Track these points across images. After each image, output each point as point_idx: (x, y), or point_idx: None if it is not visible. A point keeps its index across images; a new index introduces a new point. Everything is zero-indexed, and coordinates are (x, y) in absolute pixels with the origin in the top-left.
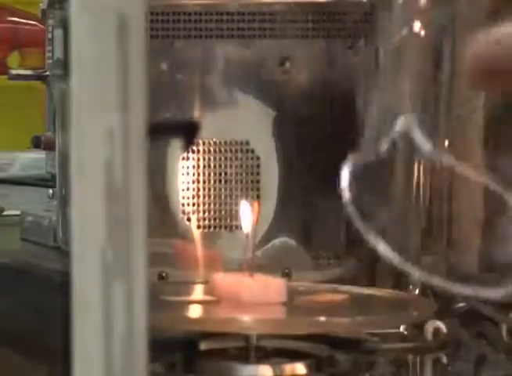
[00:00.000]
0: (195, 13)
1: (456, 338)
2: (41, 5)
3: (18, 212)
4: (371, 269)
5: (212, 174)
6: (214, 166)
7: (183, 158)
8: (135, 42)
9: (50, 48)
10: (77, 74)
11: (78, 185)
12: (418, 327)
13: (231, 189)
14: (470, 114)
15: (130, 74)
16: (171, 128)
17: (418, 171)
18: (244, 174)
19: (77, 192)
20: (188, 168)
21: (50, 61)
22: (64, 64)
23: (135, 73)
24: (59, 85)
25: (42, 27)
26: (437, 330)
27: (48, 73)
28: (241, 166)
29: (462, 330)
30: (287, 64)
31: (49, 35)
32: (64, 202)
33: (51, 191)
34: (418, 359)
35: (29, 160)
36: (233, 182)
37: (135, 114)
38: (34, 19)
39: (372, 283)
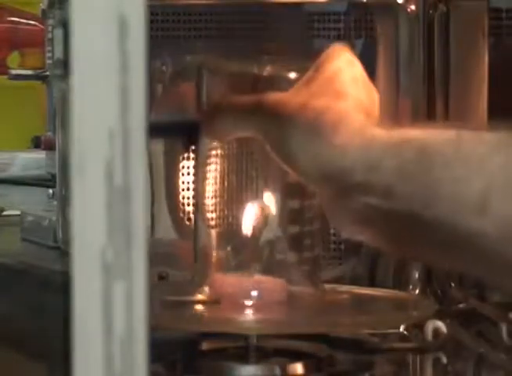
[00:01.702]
0: (195, 13)
1: (456, 338)
2: (41, 5)
3: (18, 212)
4: (371, 269)
5: (212, 173)
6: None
7: (183, 158)
8: (135, 42)
9: (50, 48)
10: (77, 74)
11: (78, 185)
12: (418, 327)
13: (233, 190)
14: None
15: (130, 74)
16: (172, 128)
17: None
18: (244, 174)
19: (77, 192)
20: (188, 168)
21: (50, 61)
22: (64, 64)
23: (135, 73)
24: (59, 85)
25: (42, 27)
26: (437, 330)
27: (48, 73)
28: (242, 167)
29: (462, 330)
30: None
31: (49, 35)
32: (64, 202)
33: (51, 191)
34: (418, 359)
35: (29, 160)
36: (235, 183)
37: (135, 114)
38: (34, 19)
39: (372, 283)
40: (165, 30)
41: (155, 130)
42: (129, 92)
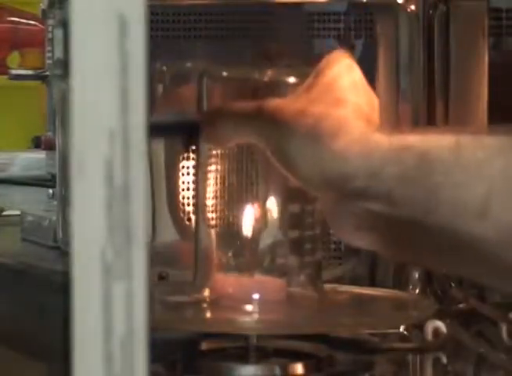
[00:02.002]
0: (195, 13)
1: (456, 338)
2: (41, 5)
3: (18, 212)
4: (371, 269)
5: (213, 174)
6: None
7: (183, 158)
8: (135, 42)
9: (50, 48)
10: (77, 75)
11: (78, 185)
12: (418, 327)
13: (233, 190)
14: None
15: (130, 74)
16: (172, 128)
17: None
18: (244, 176)
19: (77, 192)
20: (188, 168)
21: (50, 61)
22: (64, 64)
23: (135, 73)
24: (59, 85)
25: (42, 27)
26: (437, 330)
27: (48, 73)
28: (242, 167)
29: (462, 330)
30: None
31: (49, 35)
32: (64, 202)
33: (51, 191)
34: (418, 359)
35: (29, 160)
36: (235, 183)
37: (135, 114)
38: (34, 19)
39: (372, 283)
40: (165, 31)
41: (155, 130)
42: (129, 92)
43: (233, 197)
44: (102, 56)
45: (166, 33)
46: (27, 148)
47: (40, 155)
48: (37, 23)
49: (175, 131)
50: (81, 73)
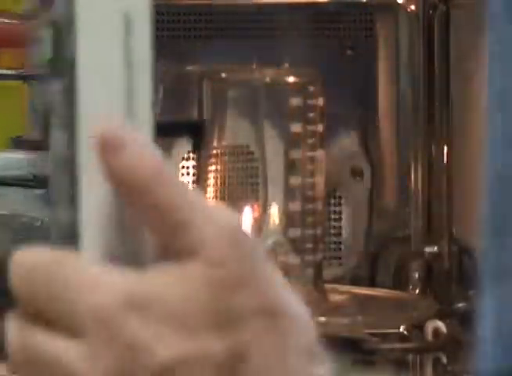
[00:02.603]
0: (195, 13)
1: (456, 338)
2: (26, 3)
3: (5, 212)
4: (371, 269)
5: (214, 174)
6: (216, 166)
7: (183, 158)
8: (140, 42)
9: (37, 47)
10: (81, 74)
11: (79, 185)
12: (418, 327)
13: (232, 190)
14: None
15: (135, 74)
16: (174, 128)
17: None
18: (244, 175)
19: (78, 192)
20: (188, 168)
21: (35, 61)
22: (53, 64)
23: (140, 73)
24: (50, 85)
25: (22, 25)
26: (437, 330)
27: (30, 72)
28: (242, 168)
29: (462, 330)
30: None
31: (36, 34)
32: (54, 203)
33: (36, 192)
34: (418, 359)
35: (7, 161)
36: (234, 183)
37: (140, 114)
38: (13, 18)
39: (372, 283)
40: (165, 31)
41: (158, 130)
42: (134, 92)
43: (233, 196)
44: (106, 55)
45: (166, 33)
46: (6, 148)
47: (19, 155)
48: (15, 22)
49: (177, 132)
50: (86, 72)
